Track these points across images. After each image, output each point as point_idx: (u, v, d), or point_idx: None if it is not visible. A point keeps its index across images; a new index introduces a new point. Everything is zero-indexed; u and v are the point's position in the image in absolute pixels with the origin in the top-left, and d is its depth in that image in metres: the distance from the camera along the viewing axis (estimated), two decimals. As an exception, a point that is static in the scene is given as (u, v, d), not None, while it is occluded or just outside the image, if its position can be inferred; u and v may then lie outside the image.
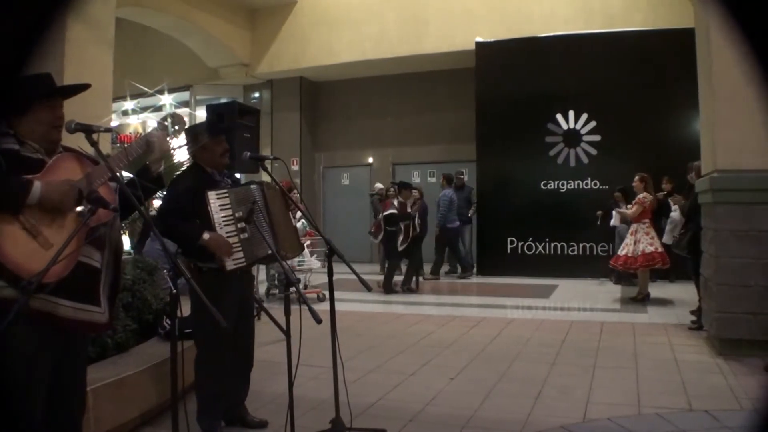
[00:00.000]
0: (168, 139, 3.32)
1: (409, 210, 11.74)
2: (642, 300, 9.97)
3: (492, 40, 14.13)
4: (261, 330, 4.97)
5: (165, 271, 5.42)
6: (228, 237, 4.18)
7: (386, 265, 12.17)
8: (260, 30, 16.62)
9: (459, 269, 14.11)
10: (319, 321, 3.48)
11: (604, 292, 11.31)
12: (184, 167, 5.05)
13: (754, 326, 6.32)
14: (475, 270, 14.29)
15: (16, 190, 2.70)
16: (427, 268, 13.31)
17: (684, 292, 10.01)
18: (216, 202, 4.18)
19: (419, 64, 15.80)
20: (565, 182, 13.75)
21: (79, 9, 5.67)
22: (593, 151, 13.53)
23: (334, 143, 17.83)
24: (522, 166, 14.00)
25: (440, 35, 14.76)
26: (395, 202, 11.68)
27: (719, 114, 6.62)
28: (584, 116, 13.57)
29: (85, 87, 3.18)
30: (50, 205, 2.76)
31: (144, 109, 17.54)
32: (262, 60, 16.67)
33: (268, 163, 4.75)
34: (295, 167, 16.76)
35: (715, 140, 6.75)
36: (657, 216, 10.67)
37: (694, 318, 7.98)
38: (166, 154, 3.38)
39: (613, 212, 10.78)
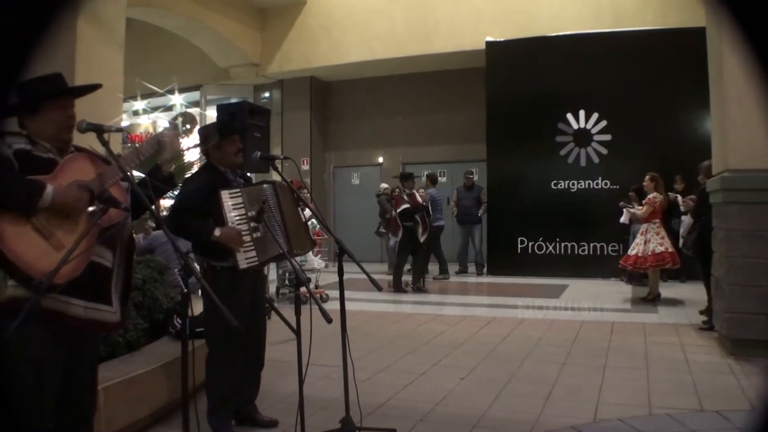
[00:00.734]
0: (179, 138, 3.33)
1: (419, 200, 11.73)
2: (653, 300, 9.94)
3: (502, 39, 14.11)
4: (271, 329, 4.97)
5: (176, 270, 5.44)
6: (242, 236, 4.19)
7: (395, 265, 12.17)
8: (270, 30, 16.65)
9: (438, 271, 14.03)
10: (329, 320, 3.49)
11: (614, 292, 11.27)
12: (195, 167, 5.08)
13: (766, 326, 6.29)
14: (485, 269, 14.29)
15: (29, 194, 2.72)
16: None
17: (695, 293, 9.96)
18: (229, 201, 4.20)
19: (429, 64, 15.79)
20: (575, 182, 13.72)
21: (81, 8, 5.70)
22: (604, 151, 13.50)
23: (344, 143, 17.84)
24: (532, 165, 13.97)
25: (449, 35, 14.75)
26: (404, 197, 11.65)
27: (730, 114, 6.59)
28: (595, 116, 13.53)
29: (96, 87, 3.20)
30: (62, 208, 2.77)
31: (154, 109, 17.55)
32: (272, 60, 16.69)
33: (278, 163, 4.75)
34: (306, 167, 16.77)
35: (725, 140, 6.72)
36: (668, 216, 10.64)
37: (704, 318, 7.95)
38: (178, 154, 3.39)
39: (624, 210, 10.74)
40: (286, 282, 10.40)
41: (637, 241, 10.02)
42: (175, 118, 3.34)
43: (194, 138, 4.41)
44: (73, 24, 5.80)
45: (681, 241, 9.57)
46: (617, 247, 12.97)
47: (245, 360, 4.49)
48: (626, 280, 12.19)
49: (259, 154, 4.59)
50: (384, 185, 14.73)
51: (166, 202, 8.77)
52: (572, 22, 13.70)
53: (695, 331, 7.77)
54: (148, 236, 7.37)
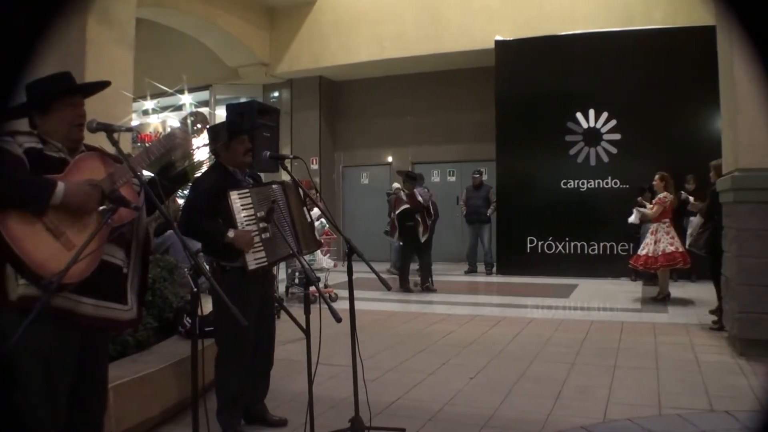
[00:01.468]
0: (190, 137, 3.34)
1: (419, 200, 11.70)
2: (662, 300, 9.91)
3: (511, 38, 14.09)
4: (280, 328, 4.98)
5: (186, 269, 5.46)
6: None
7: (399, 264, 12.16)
8: (279, 30, 16.65)
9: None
10: (339, 320, 3.49)
11: (624, 292, 11.24)
12: (205, 166, 5.08)
13: (776, 327, 6.27)
14: (494, 269, 14.27)
15: (40, 191, 2.73)
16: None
17: (705, 292, 9.92)
18: (238, 202, 4.20)
19: (438, 63, 15.77)
20: (585, 181, 13.69)
21: (92, 8, 5.73)
22: (613, 150, 13.46)
23: (353, 142, 17.84)
24: (542, 165, 13.95)
25: (459, 34, 14.72)
26: (403, 197, 11.63)
27: (740, 112, 6.56)
28: (604, 115, 13.50)
29: (105, 85, 3.22)
30: (73, 206, 2.78)
31: (164, 109, 17.60)
32: (281, 59, 16.70)
33: (288, 163, 4.76)
34: (315, 166, 16.78)
35: (736, 139, 6.70)
36: (678, 215, 10.60)
37: (714, 318, 7.92)
38: (188, 153, 3.40)
39: (634, 210, 10.71)
40: (296, 281, 10.41)
41: (647, 241, 9.99)
42: (186, 117, 3.34)
43: (204, 137, 4.42)
44: (83, 24, 5.82)
45: (688, 240, 9.52)
46: (627, 247, 12.92)
47: (255, 359, 4.50)
48: (635, 278, 12.17)
49: (268, 153, 4.60)
50: (396, 185, 14.72)
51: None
52: (582, 21, 13.66)
53: (705, 331, 7.74)
54: (160, 235, 7.40)
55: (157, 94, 15.94)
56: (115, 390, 3.81)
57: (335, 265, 10.74)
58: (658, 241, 9.73)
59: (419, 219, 11.52)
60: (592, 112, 13.58)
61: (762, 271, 6.36)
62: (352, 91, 17.73)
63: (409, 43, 15.20)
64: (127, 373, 4.26)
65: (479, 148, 15.58)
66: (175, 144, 3.23)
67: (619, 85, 13.23)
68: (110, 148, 3.07)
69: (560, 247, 13.86)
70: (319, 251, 10.20)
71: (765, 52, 1.13)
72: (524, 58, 14.06)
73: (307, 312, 3.90)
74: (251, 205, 4.24)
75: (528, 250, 14.06)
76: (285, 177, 4.82)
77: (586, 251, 13.68)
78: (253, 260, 4.20)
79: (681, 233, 10.19)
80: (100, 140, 3.07)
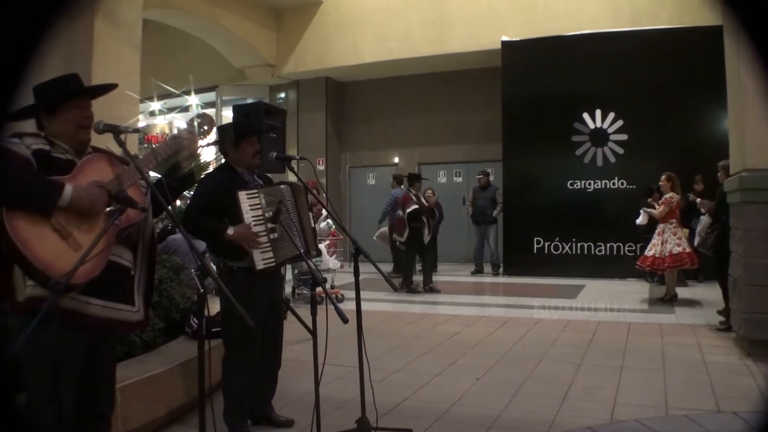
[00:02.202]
0: (196, 139, 3.35)
1: (425, 202, 11.71)
2: (669, 300, 9.89)
3: (518, 39, 14.08)
4: (287, 329, 4.99)
5: (193, 270, 5.47)
6: (258, 237, 4.20)
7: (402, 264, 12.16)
8: (286, 30, 16.68)
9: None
10: (345, 320, 3.48)
11: (631, 293, 11.22)
12: (211, 167, 5.09)
13: (784, 327, 6.25)
14: (501, 270, 14.26)
15: (48, 193, 2.74)
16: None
17: (712, 293, 9.89)
18: (246, 202, 4.20)
19: (444, 64, 15.78)
20: (591, 182, 13.68)
21: (99, 9, 5.75)
22: (620, 151, 13.44)
23: (359, 143, 17.86)
24: (548, 165, 13.94)
25: (465, 35, 14.72)
26: (412, 197, 11.64)
27: (748, 113, 6.54)
28: (611, 115, 13.47)
29: (112, 87, 3.23)
30: (80, 208, 2.79)
31: (171, 110, 17.63)
32: (287, 60, 16.72)
33: (294, 163, 4.76)
34: (321, 167, 16.82)
35: (744, 139, 6.68)
36: (686, 216, 10.58)
37: (722, 319, 7.90)
38: (195, 154, 3.41)
39: (641, 211, 10.69)
40: (300, 283, 10.41)
41: (654, 241, 9.96)
42: (193, 119, 3.35)
43: (211, 138, 4.42)
44: (90, 25, 5.84)
45: (696, 239, 9.49)
46: (634, 247, 12.88)
47: (262, 360, 4.50)
48: (650, 279, 12.14)
49: (275, 154, 4.61)
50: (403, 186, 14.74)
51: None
52: (589, 22, 13.64)
53: (712, 332, 7.72)
54: (162, 240, 7.41)
55: (164, 95, 15.96)
56: (122, 390, 3.82)
57: (342, 266, 10.73)
58: (666, 242, 9.71)
59: (425, 220, 11.52)
60: (598, 113, 13.56)
61: (769, 271, 6.35)
62: (359, 91, 17.76)
63: (415, 44, 15.21)
64: (134, 373, 4.26)
65: (486, 149, 15.58)
66: (181, 145, 3.24)
67: (625, 86, 13.20)
68: (117, 150, 3.08)
69: (567, 247, 13.84)
70: (325, 252, 10.20)
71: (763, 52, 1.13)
72: (531, 58, 14.05)
73: (314, 313, 3.91)
74: (259, 206, 4.24)
75: (534, 251, 14.05)
76: (292, 178, 4.82)
77: (592, 252, 13.67)
78: (261, 260, 4.21)
79: (691, 233, 10.17)
80: (107, 141, 3.08)
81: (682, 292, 10.14)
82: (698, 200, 9.99)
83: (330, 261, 10.43)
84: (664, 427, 4.49)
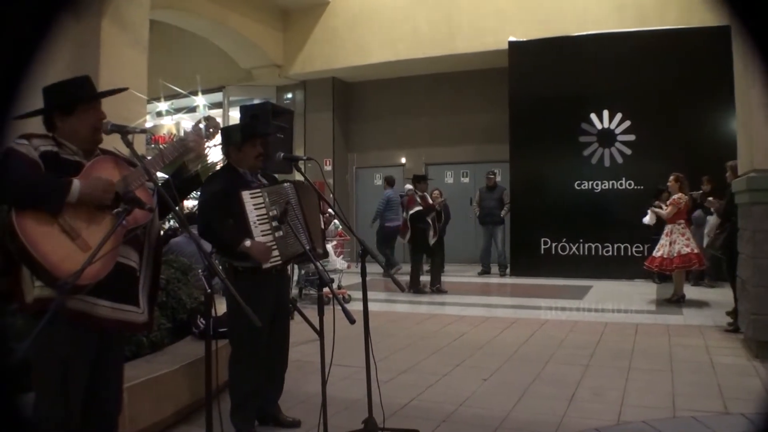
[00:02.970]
0: (203, 141, 3.35)
1: (430, 202, 11.70)
2: (677, 301, 9.87)
3: (525, 39, 14.07)
4: (294, 329, 4.98)
5: (200, 271, 5.48)
6: (263, 235, 4.21)
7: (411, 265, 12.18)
8: (293, 31, 16.69)
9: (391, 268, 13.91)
10: (352, 321, 3.48)
11: (638, 294, 11.19)
12: (217, 168, 5.10)
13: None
14: (508, 270, 14.26)
15: (56, 189, 2.74)
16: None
17: (720, 294, 9.87)
18: (250, 202, 4.21)
19: (451, 65, 15.77)
20: (599, 182, 13.65)
21: (106, 11, 5.77)
22: (628, 151, 13.42)
23: (366, 144, 17.87)
24: (556, 166, 13.93)
25: (472, 35, 14.72)
26: (417, 198, 11.63)
27: (756, 112, 6.52)
28: (618, 116, 13.46)
29: (124, 90, 3.26)
30: (89, 200, 2.80)
31: (178, 111, 17.69)
32: (294, 61, 16.74)
33: (301, 164, 4.77)
34: (328, 168, 16.83)
35: (751, 140, 6.66)
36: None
37: (730, 320, 7.87)
38: (201, 156, 3.42)
39: (648, 211, 10.66)
40: (307, 283, 10.41)
41: (662, 242, 9.94)
42: (199, 122, 3.36)
43: (217, 139, 4.43)
44: (97, 26, 5.87)
45: (705, 240, 9.46)
46: (641, 248, 12.86)
47: (268, 360, 4.50)
48: (657, 280, 12.11)
49: (282, 155, 4.62)
50: (408, 186, 14.72)
51: (189, 203, 8.84)
52: (595, 22, 13.62)
53: (720, 333, 7.70)
54: (164, 244, 7.42)
55: (171, 96, 16.02)
56: (130, 390, 3.82)
57: (348, 267, 10.73)
58: (674, 243, 9.68)
59: (430, 222, 11.51)
60: (606, 113, 13.54)
61: (777, 272, 6.33)
62: (366, 92, 17.77)
63: (422, 45, 15.22)
64: (142, 373, 4.27)
65: (493, 149, 15.56)
66: (188, 147, 3.25)
67: (633, 86, 13.17)
68: (124, 150, 3.09)
69: (574, 248, 13.82)
70: (332, 252, 10.20)
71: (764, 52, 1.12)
72: (538, 58, 14.03)
73: (321, 313, 3.90)
74: (263, 205, 4.25)
75: (542, 252, 14.04)
76: (299, 178, 4.83)
77: (600, 252, 13.64)
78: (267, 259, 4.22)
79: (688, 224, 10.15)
80: (114, 142, 3.09)
81: (689, 293, 10.11)
82: (709, 198, 9.96)
83: (337, 261, 10.43)
84: (671, 428, 4.47)
